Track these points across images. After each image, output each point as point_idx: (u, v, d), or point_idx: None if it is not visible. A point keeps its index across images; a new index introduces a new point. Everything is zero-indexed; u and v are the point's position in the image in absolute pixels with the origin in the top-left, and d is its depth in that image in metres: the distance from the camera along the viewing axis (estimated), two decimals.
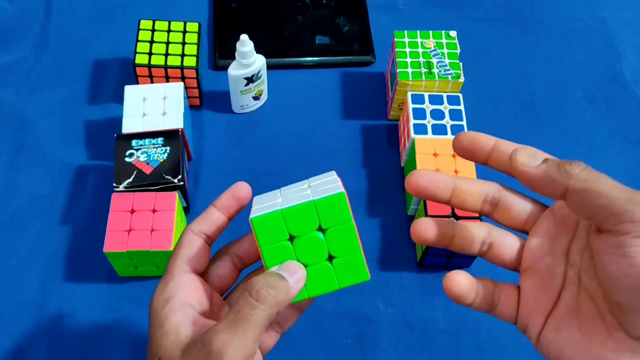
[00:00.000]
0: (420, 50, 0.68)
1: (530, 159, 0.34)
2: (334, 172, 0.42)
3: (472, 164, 0.60)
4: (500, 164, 0.36)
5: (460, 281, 0.36)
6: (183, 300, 0.38)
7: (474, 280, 0.37)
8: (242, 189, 0.42)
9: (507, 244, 0.37)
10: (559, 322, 0.35)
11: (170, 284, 0.39)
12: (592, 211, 0.32)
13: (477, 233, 0.37)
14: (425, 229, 0.37)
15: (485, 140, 0.37)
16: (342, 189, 0.37)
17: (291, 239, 0.38)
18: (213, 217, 0.41)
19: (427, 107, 0.65)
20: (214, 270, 0.42)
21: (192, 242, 0.41)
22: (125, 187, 0.57)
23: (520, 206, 0.37)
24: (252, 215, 0.38)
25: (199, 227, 0.41)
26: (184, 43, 0.69)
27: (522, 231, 0.38)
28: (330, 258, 0.38)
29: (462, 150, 0.37)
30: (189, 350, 0.36)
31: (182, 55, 0.67)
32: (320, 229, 0.38)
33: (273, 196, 0.41)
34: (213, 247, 0.43)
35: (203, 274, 0.42)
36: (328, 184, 0.39)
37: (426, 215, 0.58)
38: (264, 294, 0.35)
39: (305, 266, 0.38)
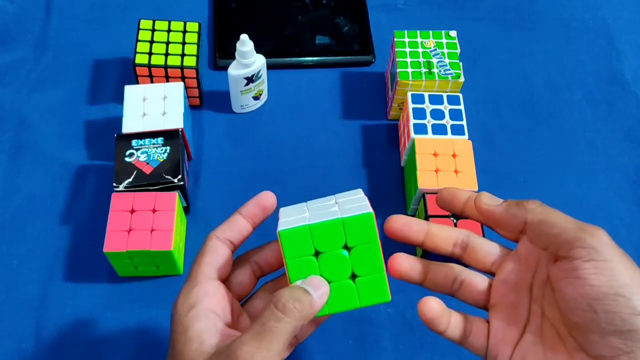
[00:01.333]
0: (420, 50, 0.68)
1: (492, 200, 0.40)
2: (360, 190, 0.43)
3: (472, 165, 0.60)
4: (472, 213, 0.41)
5: (433, 306, 0.40)
6: (207, 308, 0.38)
7: (446, 308, 0.40)
8: (268, 198, 0.43)
9: (477, 282, 0.41)
10: (525, 350, 0.38)
11: (195, 290, 0.39)
12: (548, 240, 0.37)
13: (449, 272, 0.41)
14: (401, 264, 0.41)
15: (462, 194, 0.42)
16: (370, 209, 0.38)
17: (316, 254, 0.39)
18: (238, 225, 0.42)
19: (427, 107, 0.65)
20: (235, 277, 0.43)
21: (217, 248, 0.41)
22: (125, 187, 0.57)
23: (487, 249, 0.41)
24: (280, 228, 0.39)
25: (224, 233, 0.42)
26: (184, 43, 0.69)
27: (488, 272, 0.42)
28: (353, 276, 0.39)
29: (442, 202, 0.42)
30: None
31: (182, 55, 0.67)
32: (345, 246, 0.39)
33: (300, 210, 0.42)
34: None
35: (224, 280, 0.42)
36: (356, 202, 0.40)
37: (426, 214, 0.58)
38: (290, 307, 0.36)
39: (328, 282, 0.39)
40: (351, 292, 0.39)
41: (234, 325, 0.40)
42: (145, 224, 0.55)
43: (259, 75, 0.67)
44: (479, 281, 0.41)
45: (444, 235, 0.42)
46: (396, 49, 0.68)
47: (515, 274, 0.40)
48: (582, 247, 0.35)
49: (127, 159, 0.59)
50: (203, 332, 0.37)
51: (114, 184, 0.58)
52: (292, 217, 0.40)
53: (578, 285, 0.35)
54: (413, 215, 0.64)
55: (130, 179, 0.58)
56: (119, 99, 0.68)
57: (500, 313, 0.40)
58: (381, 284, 0.39)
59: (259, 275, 0.44)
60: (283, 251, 0.38)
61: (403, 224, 0.41)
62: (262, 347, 0.35)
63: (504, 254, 0.41)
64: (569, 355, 0.36)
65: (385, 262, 0.39)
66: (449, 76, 0.66)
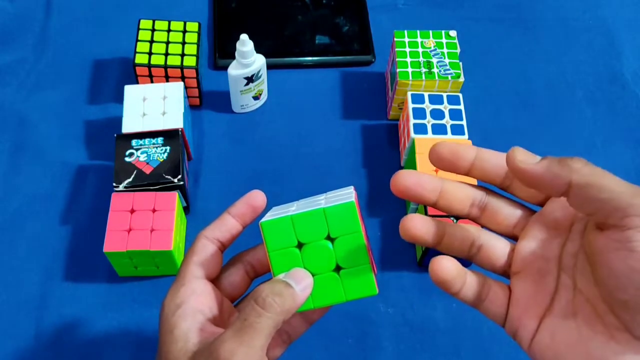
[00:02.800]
0: (420, 50, 0.68)
1: (529, 157, 0.33)
2: (352, 187, 0.42)
3: None
4: (484, 173, 0.36)
5: (447, 266, 0.35)
6: (194, 307, 0.38)
7: (462, 268, 0.36)
8: (257, 197, 0.42)
9: (497, 246, 0.37)
10: (555, 326, 0.34)
11: (182, 289, 0.39)
12: (596, 206, 0.31)
13: (467, 235, 0.37)
14: (414, 226, 0.36)
15: (467, 150, 0.36)
16: (353, 199, 0.38)
17: (300, 246, 0.38)
18: (227, 224, 0.41)
19: (427, 106, 0.65)
20: (227, 278, 0.42)
21: (205, 248, 0.41)
22: (125, 187, 0.57)
23: (508, 210, 0.37)
24: (262, 219, 0.38)
25: (213, 233, 0.41)
26: (184, 43, 0.69)
27: (510, 236, 0.37)
28: (338, 269, 0.38)
29: (440, 161, 0.37)
30: (196, 359, 0.36)
31: (182, 55, 0.67)
32: (329, 238, 0.38)
33: (288, 206, 0.42)
34: (226, 254, 0.43)
35: (215, 280, 0.42)
36: (341, 195, 0.40)
37: (426, 214, 0.58)
38: (270, 301, 0.35)
39: (313, 275, 0.38)
40: (336, 285, 0.38)
41: (225, 325, 0.40)
42: (145, 224, 0.55)
43: (259, 75, 0.67)
44: (500, 245, 0.37)
45: (459, 194, 0.37)
46: (396, 49, 0.68)
47: (541, 240, 0.36)
48: (637, 215, 0.30)
49: (127, 159, 0.59)
50: (189, 331, 0.37)
51: (114, 184, 0.58)
52: (278, 212, 0.40)
53: (632, 259, 0.30)
54: None
55: (130, 179, 0.58)
56: (119, 99, 0.68)
57: (523, 282, 0.36)
58: (367, 276, 0.38)
59: (252, 275, 0.43)
60: (265, 243, 0.38)
61: (414, 183, 0.36)
62: (243, 344, 0.34)
63: (528, 215, 0.37)
64: (609, 335, 0.32)
65: (376, 256, 0.39)
66: (449, 76, 0.66)
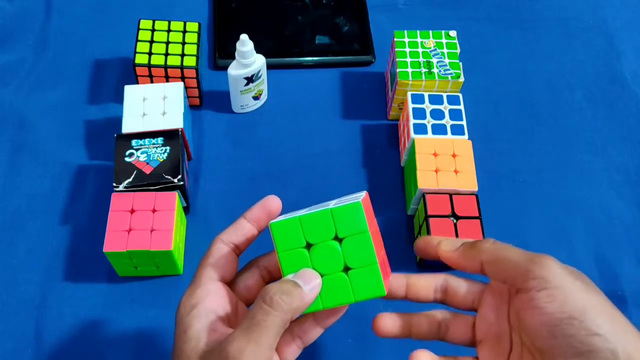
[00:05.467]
0: (420, 50, 0.68)
1: (450, 246, 0.42)
2: (364, 192, 0.43)
3: (472, 165, 0.61)
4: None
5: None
6: (208, 308, 0.39)
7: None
8: (273, 202, 0.43)
9: (461, 323, 0.43)
10: None
11: (198, 290, 0.40)
12: (504, 275, 0.39)
13: (432, 320, 0.43)
14: (385, 324, 0.43)
15: (433, 241, 0.44)
16: (360, 200, 0.38)
17: (309, 247, 0.39)
18: (243, 229, 0.42)
19: (427, 106, 0.65)
20: (242, 281, 0.43)
21: (221, 251, 0.42)
22: (125, 187, 0.57)
23: (465, 288, 0.43)
24: (272, 221, 0.39)
25: (229, 237, 0.42)
26: (183, 43, 0.69)
27: (472, 309, 0.43)
28: (347, 269, 0.39)
29: (419, 251, 0.44)
30: (207, 358, 0.36)
31: (182, 55, 0.67)
32: (337, 238, 0.39)
33: (301, 210, 0.42)
34: (242, 259, 0.43)
35: (230, 283, 0.43)
36: (351, 198, 0.40)
37: (426, 214, 0.58)
38: (277, 299, 0.36)
39: (322, 275, 0.39)
40: (345, 286, 0.39)
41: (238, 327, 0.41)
42: (145, 224, 0.55)
43: (259, 75, 0.67)
44: (463, 321, 0.43)
45: (423, 284, 0.43)
46: (396, 49, 0.68)
47: (493, 308, 0.41)
48: (533, 278, 0.37)
49: (127, 159, 0.59)
50: (201, 331, 0.38)
51: (114, 184, 0.58)
52: (289, 214, 0.41)
53: (536, 315, 0.36)
54: (413, 215, 0.64)
55: (130, 179, 0.58)
56: (119, 99, 0.68)
57: (486, 347, 0.41)
58: (375, 276, 0.38)
59: (268, 280, 0.44)
60: (275, 243, 0.39)
61: None
62: (250, 342, 0.35)
63: (482, 289, 0.43)
64: None
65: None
66: (449, 76, 0.66)
